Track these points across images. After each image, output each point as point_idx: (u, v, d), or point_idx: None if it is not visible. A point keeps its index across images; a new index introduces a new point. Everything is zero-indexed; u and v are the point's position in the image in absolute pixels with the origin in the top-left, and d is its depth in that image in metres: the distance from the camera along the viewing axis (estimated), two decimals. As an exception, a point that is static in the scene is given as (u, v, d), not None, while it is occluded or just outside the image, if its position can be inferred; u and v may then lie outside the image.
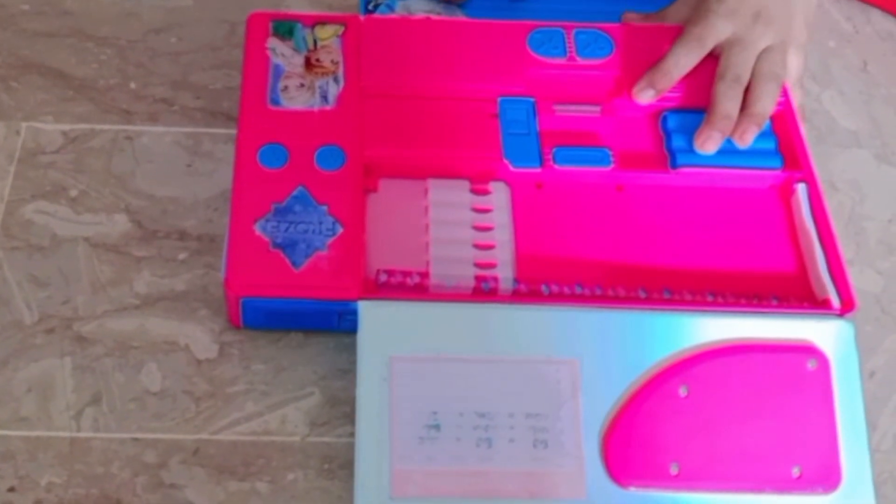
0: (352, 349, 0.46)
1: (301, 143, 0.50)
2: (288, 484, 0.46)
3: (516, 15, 0.57)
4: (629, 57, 0.55)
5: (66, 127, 0.56)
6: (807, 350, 0.47)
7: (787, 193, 0.52)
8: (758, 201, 0.52)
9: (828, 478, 0.46)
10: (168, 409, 0.47)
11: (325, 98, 0.52)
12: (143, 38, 0.59)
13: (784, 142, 0.53)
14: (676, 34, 0.55)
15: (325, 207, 0.49)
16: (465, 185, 0.51)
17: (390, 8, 0.52)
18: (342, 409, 0.48)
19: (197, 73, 0.58)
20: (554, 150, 0.52)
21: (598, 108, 0.54)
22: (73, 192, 0.53)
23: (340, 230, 0.48)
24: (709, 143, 0.52)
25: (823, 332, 0.48)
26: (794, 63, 0.55)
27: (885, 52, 0.64)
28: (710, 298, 0.48)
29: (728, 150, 0.52)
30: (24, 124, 0.55)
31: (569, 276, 0.49)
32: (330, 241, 0.48)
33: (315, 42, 0.54)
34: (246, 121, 0.51)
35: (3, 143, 0.55)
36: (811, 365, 0.47)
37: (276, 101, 0.52)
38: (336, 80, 0.53)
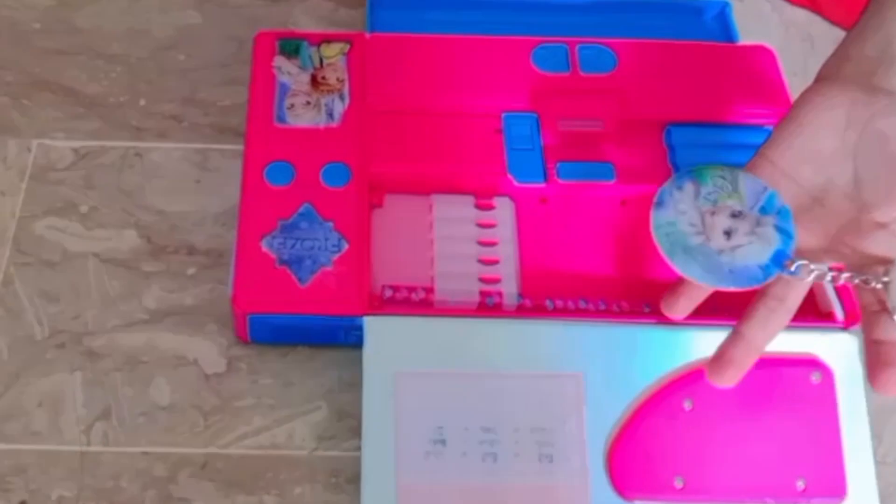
0: (359, 363, 0.46)
1: (307, 160, 0.51)
2: (295, 498, 0.46)
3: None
4: (632, 72, 0.55)
5: (77, 143, 0.56)
6: (811, 363, 0.47)
7: (791, 207, 0.53)
8: (762, 215, 0.53)
9: (833, 490, 0.46)
10: (177, 423, 0.48)
11: (330, 115, 0.53)
12: (152, 55, 0.60)
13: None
14: (679, 49, 0.55)
15: (330, 224, 0.49)
16: (470, 200, 0.52)
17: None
18: (349, 422, 0.48)
19: (206, 89, 0.59)
20: (558, 164, 0.52)
21: (601, 123, 0.54)
22: (84, 208, 0.54)
23: (346, 246, 0.48)
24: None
25: (828, 346, 0.48)
26: None
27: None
28: (714, 313, 0.49)
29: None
30: (35, 141, 0.56)
31: (573, 290, 0.49)
32: (336, 257, 0.48)
33: (321, 60, 0.54)
34: (253, 139, 0.51)
35: (14, 160, 0.55)
36: (815, 378, 0.47)
37: (282, 119, 0.52)
38: (342, 97, 0.53)
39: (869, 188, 0.42)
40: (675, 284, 0.44)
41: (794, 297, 0.43)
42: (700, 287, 0.43)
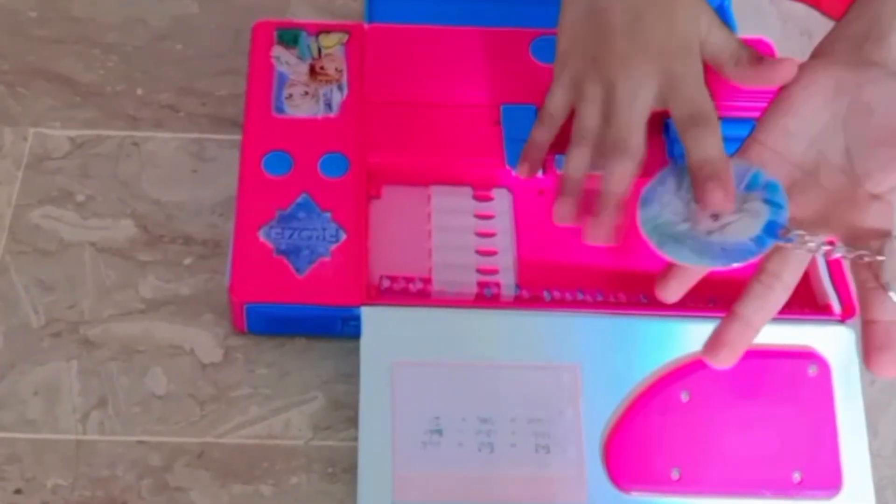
0: (355, 353, 0.46)
1: (305, 150, 0.51)
2: (291, 487, 0.46)
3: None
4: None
5: (73, 133, 0.56)
6: (808, 355, 0.48)
7: (789, 200, 0.53)
8: (759, 208, 0.53)
9: (828, 483, 0.46)
10: (173, 412, 0.48)
11: (328, 106, 0.53)
12: (149, 44, 0.60)
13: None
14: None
15: (328, 214, 0.49)
16: (468, 191, 0.52)
17: None
18: (346, 413, 0.48)
19: (202, 79, 0.58)
20: (556, 156, 0.52)
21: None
22: (80, 198, 0.54)
23: (344, 237, 0.48)
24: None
25: (824, 338, 0.48)
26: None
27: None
28: (711, 304, 0.49)
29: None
30: (31, 130, 0.56)
31: (570, 281, 0.49)
32: (333, 247, 0.48)
33: (319, 50, 0.54)
34: (251, 129, 0.51)
35: (10, 149, 0.55)
36: (812, 370, 0.47)
37: (280, 109, 0.52)
38: (340, 87, 0.53)
39: (860, 159, 0.41)
40: (666, 267, 0.44)
41: (791, 273, 0.42)
42: (692, 268, 0.43)
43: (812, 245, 0.41)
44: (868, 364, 0.40)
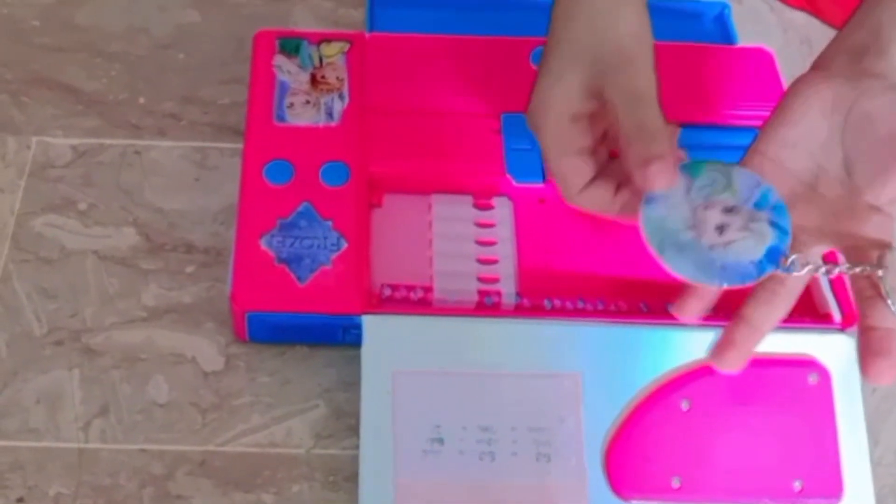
0: (357, 361, 0.47)
1: (306, 159, 0.51)
2: (293, 496, 0.46)
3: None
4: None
5: (76, 141, 0.56)
6: (808, 364, 0.48)
7: (789, 208, 0.53)
8: (759, 216, 0.53)
9: (829, 491, 0.46)
10: (175, 420, 0.48)
11: (330, 115, 0.53)
12: (151, 53, 0.60)
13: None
14: (678, 50, 0.55)
15: (329, 223, 0.49)
16: (469, 200, 0.52)
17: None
18: (347, 421, 0.48)
19: (205, 88, 0.59)
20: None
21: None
22: (83, 206, 0.54)
23: (345, 245, 0.49)
24: None
25: (825, 347, 0.48)
26: None
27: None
28: (710, 313, 0.49)
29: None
30: (34, 138, 0.56)
31: (571, 290, 0.49)
32: (335, 255, 0.48)
33: (321, 59, 0.55)
34: (252, 137, 0.52)
35: (13, 158, 0.55)
36: (812, 379, 0.47)
37: (282, 118, 0.52)
38: (341, 96, 0.53)
39: (859, 171, 0.41)
40: (684, 287, 0.43)
41: (797, 280, 0.42)
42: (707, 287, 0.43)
43: (811, 268, 0.41)
44: (864, 369, 0.40)
